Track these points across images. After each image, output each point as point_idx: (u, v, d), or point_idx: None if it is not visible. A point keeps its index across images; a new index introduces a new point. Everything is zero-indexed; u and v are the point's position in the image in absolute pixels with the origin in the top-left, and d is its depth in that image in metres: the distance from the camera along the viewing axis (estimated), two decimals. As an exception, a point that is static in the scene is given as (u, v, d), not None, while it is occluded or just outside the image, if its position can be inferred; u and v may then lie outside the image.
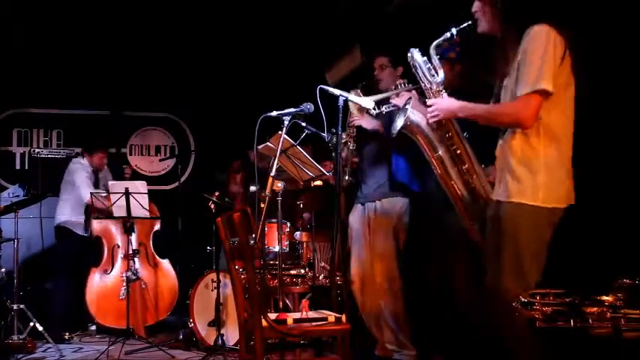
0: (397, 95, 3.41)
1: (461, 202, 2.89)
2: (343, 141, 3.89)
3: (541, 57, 2.41)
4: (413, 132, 2.92)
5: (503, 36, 2.59)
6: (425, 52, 2.81)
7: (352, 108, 3.82)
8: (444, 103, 2.72)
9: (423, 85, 2.84)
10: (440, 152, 2.88)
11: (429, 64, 2.81)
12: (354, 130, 3.91)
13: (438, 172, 2.92)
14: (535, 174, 2.47)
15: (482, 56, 2.81)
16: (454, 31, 2.73)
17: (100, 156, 5.71)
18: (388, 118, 3.60)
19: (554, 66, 2.42)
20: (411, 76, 3.40)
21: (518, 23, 2.51)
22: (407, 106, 2.93)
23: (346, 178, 3.95)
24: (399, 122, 2.95)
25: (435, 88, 2.79)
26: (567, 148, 2.54)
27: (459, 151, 2.86)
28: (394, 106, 3.40)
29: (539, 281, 2.48)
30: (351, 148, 3.95)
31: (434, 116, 2.73)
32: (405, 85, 3.52)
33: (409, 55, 2.85)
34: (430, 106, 2.76)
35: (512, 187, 2.51)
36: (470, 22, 2.69)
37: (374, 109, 3.45)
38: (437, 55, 2.79)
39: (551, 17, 2.48)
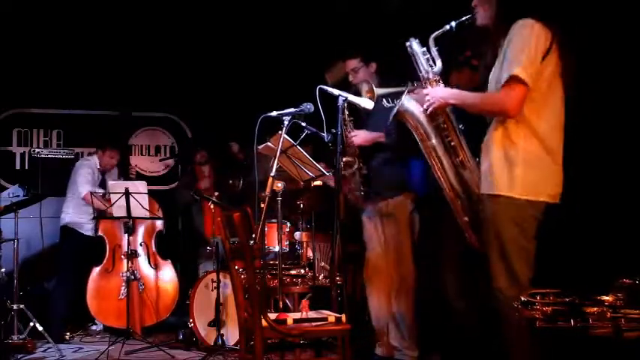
0: (413, 92, 3.35)
1: (454, 195, 2.89)
2: (353, 169, 3.86)
3: (521, 48, 2.47)
4: (405, 119, 2.95)
5: (494, 29, 2.65)
6: (425, 44, 2.88)
7: (362, 86, 3.68)
8: (439, 92, 2.78)
9: (420, 74, 2.89)
10: (433, 141, 2.89)
11: (428, 55, 2.88)
12: (357, 149, 3.88)
13: (431, 162, 2.93)
14: (512, 167, 2.52)
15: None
16: (453, 24, 2.81)
17: (112, 154, 5.69)
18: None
19: (535, 58, 2.47)
20: (401, 75, 3.39)
21: (510, 17, 2.56)
22: (403, 95, 2.95)
23: (362, 194, 3.92)
24: (395, 109, 2.98)
25: (432, 77, 2.86)
26: (554, 145, 2.55)
27: (452, 143, 2.88)
28: None
29: (531, 277, 2.49)
30: (360, 166, 3.90)
31: (430, 104, 2.76)
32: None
33: (408, 44, 2.93)
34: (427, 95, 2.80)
35: (492, 180, 2.57)
36: (469, 16, 2.77)
37: (388, 101, 3.44)
38: (435, 46, 2.86)
39: (543, 12, 2.53)
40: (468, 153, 2.87)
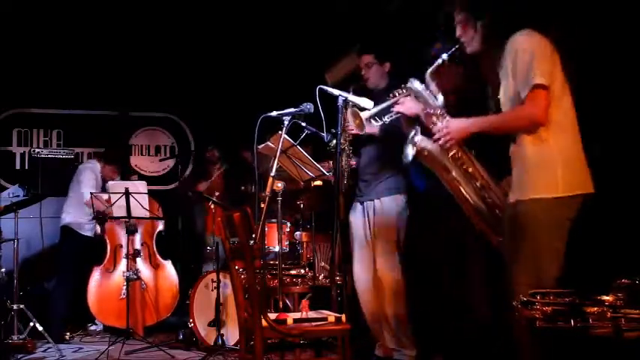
0: (397, 103, 3.27)
1: (482, 219, 2.86)
2: (342, 147, 3.88)
3: (530, 56, 2.48)
4: (426, 159, 2.90)
5: (488, 52, 2.66)
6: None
7: (348, 114, 3.74)
8: (455, 123, 2.73)
9: (428, 111, 2.87)
10: (453, 173, 2.86)
11: (428, 90, 2.88)
12: (350, 135, 3.89)
13: (455, 193, 2.89)
14: (552, 167, 2.50)
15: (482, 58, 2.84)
16: (445, 56, 2.81)
17: (113, 169, 5.72)
18: (390, 122, 3.56)
19: (544, 60, 2.49)
20: (401, 75, 3.39)
21: (501, 37, 2.58)
22: (415, 136, 2.89)
23: (344, 182, 3.94)
24: (410, 152, 2.90)
25: (439, 112, 2.83)
26: (577, 139, 2.57)
27: (470, 170, 2.84)
28: (397, 113, 3.35)
29: (558, 277, 2.46)
30: (348, 152, 3.95)
31: (448, 139, 2.73)
32: (403, 91, 3.31)
33: (408, 85, 2.95)
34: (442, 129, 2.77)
35: (531, 184, 2.53)
36: (458, 46, 2.77)
37: (376, 120, 3.44)
38: (433, 81, 2.86)
39: (532, 24, 2.57)
40: (486, 175, 2.84)
